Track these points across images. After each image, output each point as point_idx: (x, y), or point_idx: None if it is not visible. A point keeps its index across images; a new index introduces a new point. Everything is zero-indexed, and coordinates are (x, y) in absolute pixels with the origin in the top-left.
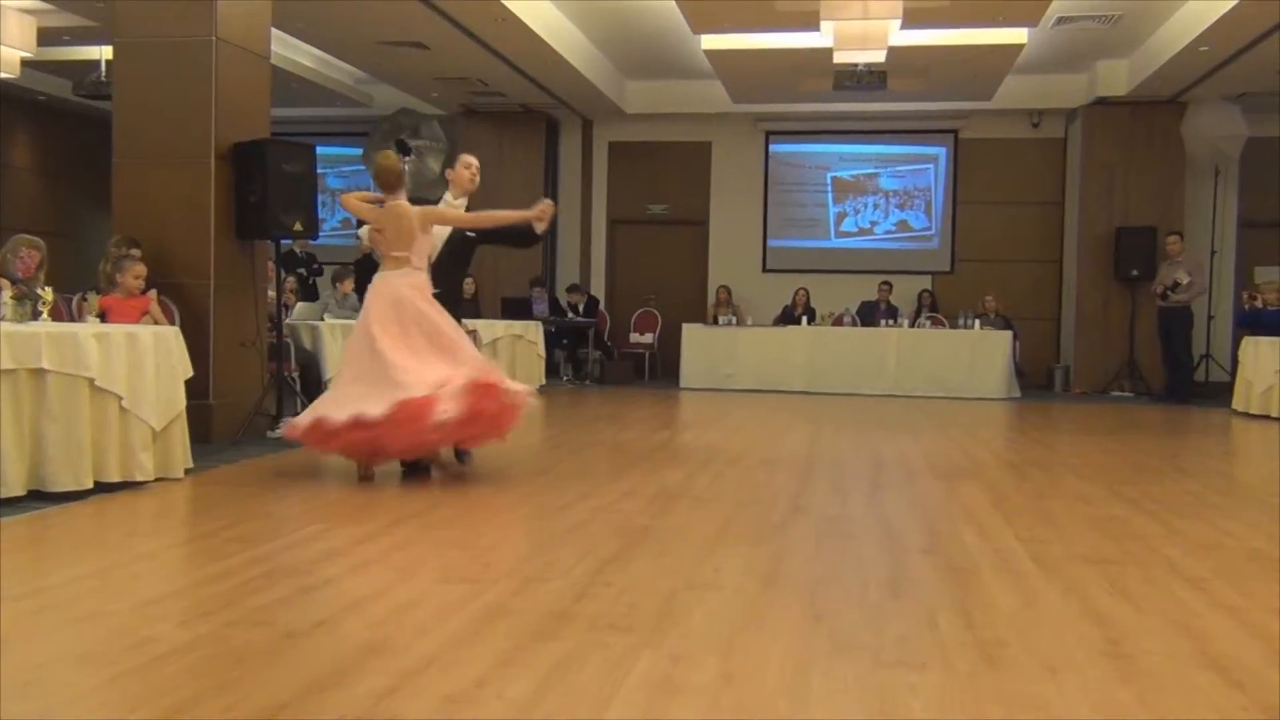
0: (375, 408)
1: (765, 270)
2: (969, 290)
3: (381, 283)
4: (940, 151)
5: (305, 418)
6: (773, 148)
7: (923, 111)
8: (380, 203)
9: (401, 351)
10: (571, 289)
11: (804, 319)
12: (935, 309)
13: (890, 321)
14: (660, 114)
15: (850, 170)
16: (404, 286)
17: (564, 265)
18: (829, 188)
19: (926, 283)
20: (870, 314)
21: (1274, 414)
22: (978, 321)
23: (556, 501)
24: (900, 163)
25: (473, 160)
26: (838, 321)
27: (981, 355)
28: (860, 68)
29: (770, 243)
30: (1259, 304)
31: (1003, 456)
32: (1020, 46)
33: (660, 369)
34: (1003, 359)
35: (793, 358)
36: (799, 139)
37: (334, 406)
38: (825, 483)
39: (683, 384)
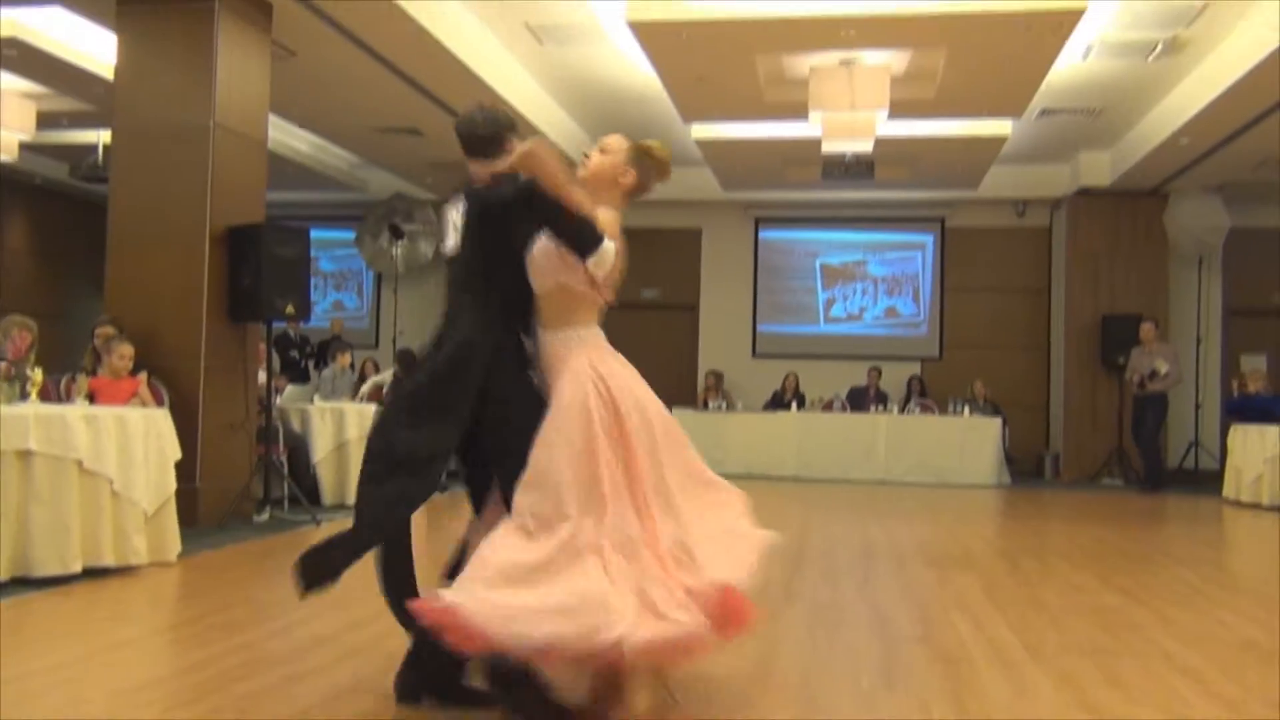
0: (557, 626)
1: (755, 355)
2: (958, 377)
3: (599, 349)
4: (928, 239)
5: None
6: (762, 234)
7: (910, 200)
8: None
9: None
10: None
11: (794, 404)
12: (925, 395)
13: (880, 407)
14: (652, 200)
15: (839, 257)
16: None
17: None
18: (818, 274)
19: (916, 369)
20: (860, 400)
21: (1264, 502)
22: (967, 408)
23: None
24: (888, 250)
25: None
26: (827, 407)
27: (971, 442)
28: (848, 157)
29: (760, 328)
30: (1248, 391)
31: (994, 544)
32: (1005, 138)
33: None
34: (992, 446)
35: (783, 443)
36: (788, 226)
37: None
38: (817, 569)
39: None
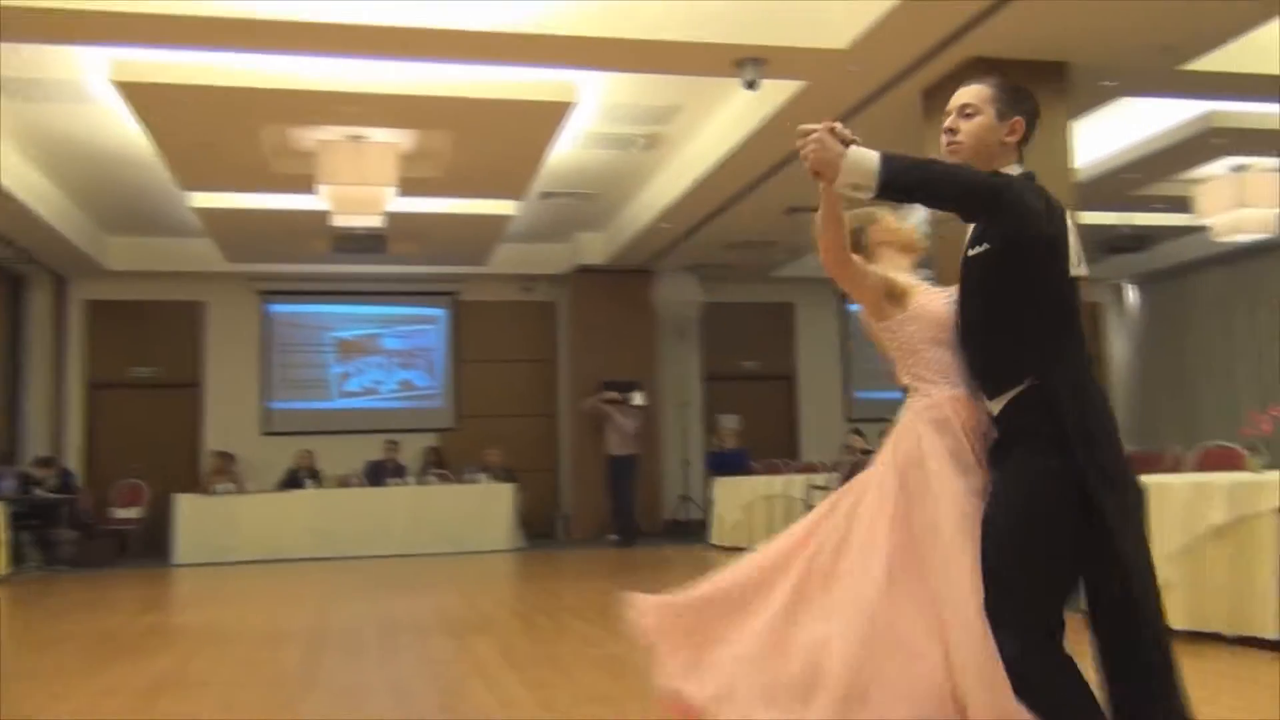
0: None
1: (266, 433)
2: (474, 445)
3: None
4: (440, 313)
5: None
6: (271, 308)
7: (422, 274)
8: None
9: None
10: (40, 462)
11: (309, 482)
12: (441, 465)
13: (398, 480)
14: (147, 271)
15: (353, 331)
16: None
17: (32, 435)
18: (331, 348)
19: (432, 439)
20: (378, 473)
21: (742, 545)
22: (482, 475)
23: (14, 714)
24: (402, 323)
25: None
26: (344, 483)
27: (487, 508)
28: (359, 231)
29: (271, 404)
30: (726, 447)
31: (511, 606)
32: (510, 217)
33: (150, 546)
34: (507, 511)
35: (299, 523)
36: (299, 299)
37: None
38: (336, 653)
39: (177, 560)
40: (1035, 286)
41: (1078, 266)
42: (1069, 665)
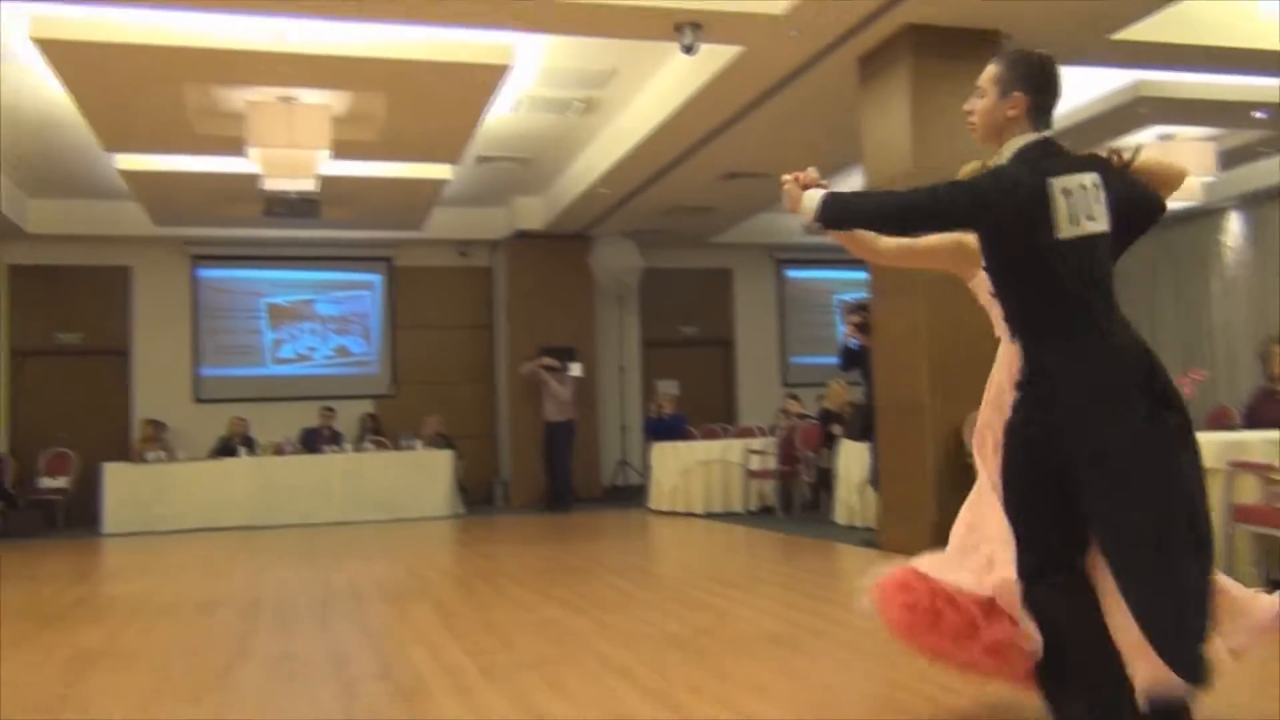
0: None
1: (198, 401)
2: (411, 412)
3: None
4: (375, 279)
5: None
6: (202, 273)
7: (357, 239)
8: None
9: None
10: None
11: (243, 450)
12: (379, 432)
13: (334, 447)
14: (72, 235)
15: (286, 297)
16: None
17: None
18: (264, 314)
19: (369, 406)
20: (313, 441)
21: (680, 509)
22: (419, 442)
23: None
24: (337, 289)
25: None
26: (279, 451)
27: (426, 475)
28: (291, 195)
29: (202, 372)
30: (664, 413)
31: (450, 573)
32: (445, 181)
33: (78, 515)
34: (446, 478)
35: (233, 491)
36: (230, 264)
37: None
38: (272, 621)
39: (106, 530)
40: (1013, 261)
41: (1070, 227)
42: (1069, 596)
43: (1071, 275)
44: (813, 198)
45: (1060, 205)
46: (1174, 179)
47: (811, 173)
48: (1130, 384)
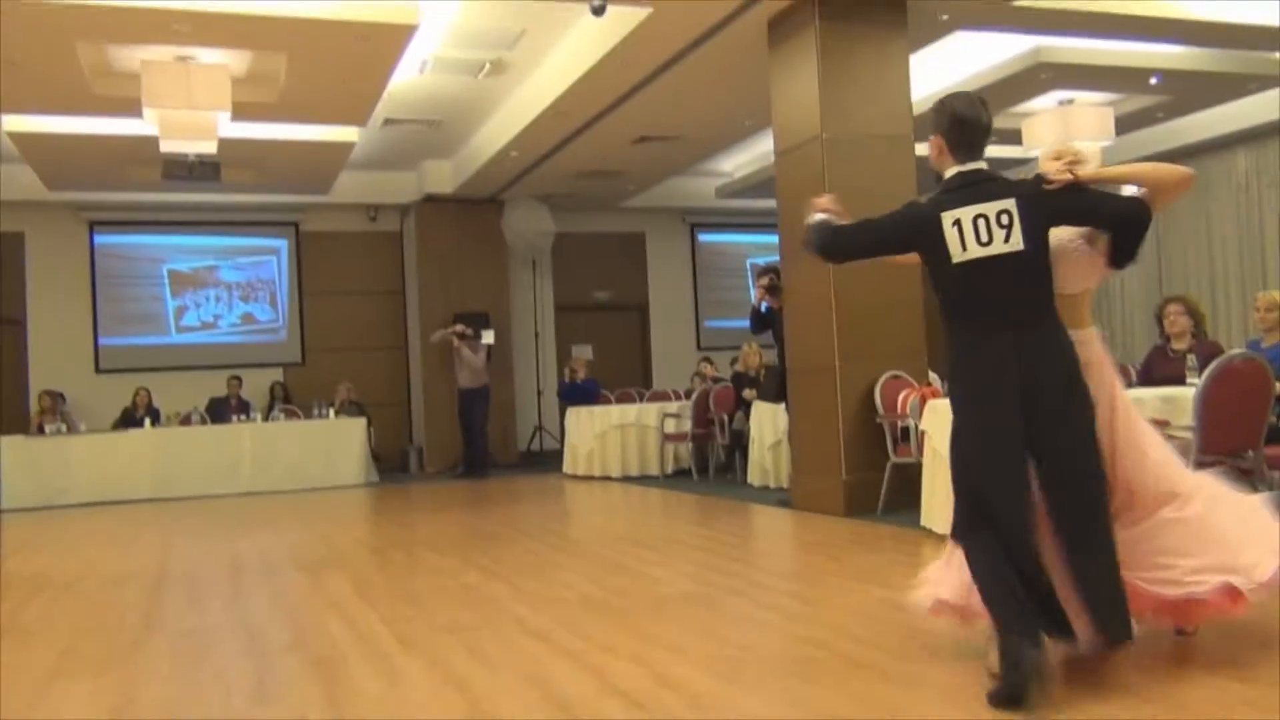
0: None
1: (99, 371)
2: (322, 380)
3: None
4: (281, 244)
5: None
6: (99, 239)
7: (261, 204)
8: None
9: None
10: None
11: (147, 421)
12: (289, 401)
13: (243, 417)
14: None
15: (188, 263)
16: None
17: None
18: (165, 281)
19: (278, 375)
20: (221, 411)
21: (595, 474)
22: (331, 411)
23: None
24: (241, 255)
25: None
26: (185, 421)
27: (338, 444)
28: (191, 158)
29: (102, 341)
30: (578, 378)
31: (365, 542)
32: (352, 144)
33: None
34: (359, 446)
35: (138, 464)
36: (129, 230)
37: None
38: (180, 594)
39: (4, 505)
40: (932, 275)
41: (962, 253)
42: (988, 552)
43: (973, 290)
44: (810, 221)
45: (950, 235)
46: (1168, 185)
47: (826, 200)
48: (1006, 380)
